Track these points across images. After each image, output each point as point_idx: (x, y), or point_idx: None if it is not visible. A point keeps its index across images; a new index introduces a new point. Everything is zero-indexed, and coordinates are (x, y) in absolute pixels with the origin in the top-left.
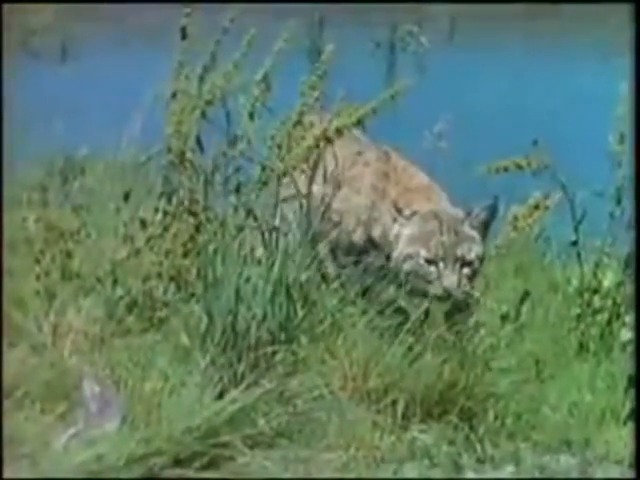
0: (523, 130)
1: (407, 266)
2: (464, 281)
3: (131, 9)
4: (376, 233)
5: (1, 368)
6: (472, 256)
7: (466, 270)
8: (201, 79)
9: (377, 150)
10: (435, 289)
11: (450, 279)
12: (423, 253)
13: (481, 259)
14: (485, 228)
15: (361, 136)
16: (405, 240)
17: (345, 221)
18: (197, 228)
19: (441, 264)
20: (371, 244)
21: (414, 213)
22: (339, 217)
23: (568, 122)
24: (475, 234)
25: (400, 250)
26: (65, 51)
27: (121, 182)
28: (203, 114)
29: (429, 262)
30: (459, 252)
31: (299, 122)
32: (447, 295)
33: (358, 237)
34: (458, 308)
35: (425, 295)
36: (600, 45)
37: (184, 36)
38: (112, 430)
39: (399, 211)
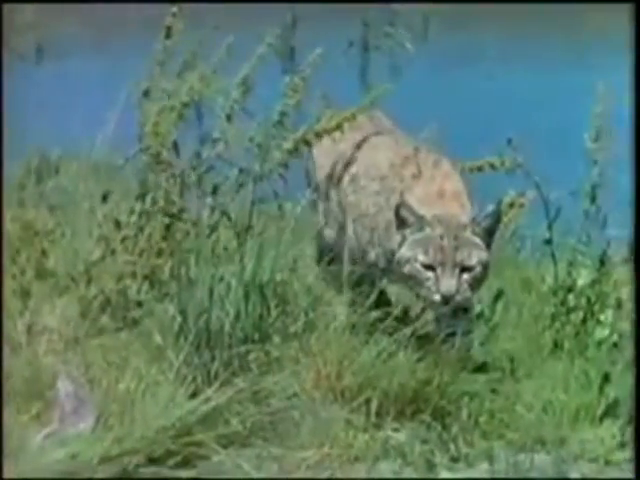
0: (497, 129)
1: (406, 269)
2: (464, 287)
3: (112, 8)
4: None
5: (1, 368)
6: (473, 262)
7: (466, 276)
8: (179, 76)
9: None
10: (433, 294)
11: (448, 285)
12: (421, 258)
13: (484, 265)
14: (489, 234)
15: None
16: (408, 243)
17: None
18: (171, 228)
19: (439, 269)
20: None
21: (420, 218)
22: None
23: (544, 120)
24: (477, 240)
25: (402, 253)
26: (41, 50)
27: (95, 182)
28: (180, 116)
29: (427, 267)
30: (458, 257)
31: (280, 123)
32: (445, 301)
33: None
34: (454, 312)
35: (425, 300)
36: (577, 44)
37: (168, 35)
38: (86, 429)
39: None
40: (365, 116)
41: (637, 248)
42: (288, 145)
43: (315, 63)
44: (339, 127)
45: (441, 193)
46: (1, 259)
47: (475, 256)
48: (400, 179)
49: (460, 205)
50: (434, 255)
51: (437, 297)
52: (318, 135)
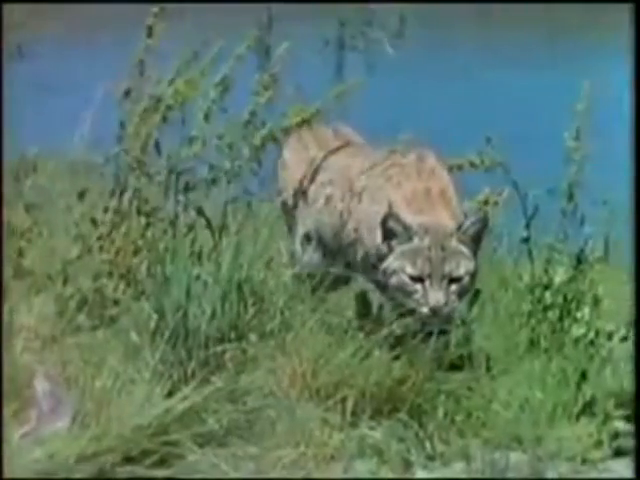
0: (475, 128)
1: (393, 281)
2: (452, 298)
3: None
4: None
5: (1, 367)
6: (461, 272)
7: (454, 287)
8: (170, 82)
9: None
10: (421, 307)
11: (436, 297)
12: (409, 270)
13: (472, 274)
14: (476, 242)
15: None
16: (395, 254)
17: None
18: (147, 226)
19: (427, 281)
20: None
21: (408, 228)
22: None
23: (521, 119)
24: (464, 249)
25: (389, 264)
26: (21, 49)
27: (72, 181)
28: (164, 119)
29: (414, 279)
30: (447, 269)
31: (250, 121)
32: (434, 313)
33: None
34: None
35: (412, 313)
36: (555, 43)
37: (149, 35)
38: (63, 428)
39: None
40: (331, 132)
41: (637, 248)
42: (256, 142)
43: (283, 58)
44: (306, 122)
45: (427, 191)
46: (1, 259)
47: (463, 266)
48: (386, 177)
49: (446, 204)
50: (422, 267)
51: (425, 310)
52: (286, 131)
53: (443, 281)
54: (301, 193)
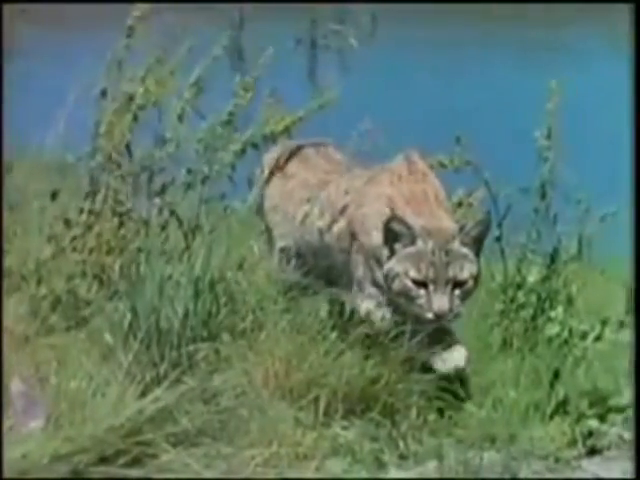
0: (447, 127)
1: (396, 285)
2: (456, 302)
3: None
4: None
5: (1, 368)
6: (465, 275)
7: (458, 291)
8: (142, 80)
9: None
10: (425, 312)
11: (441, 302)
12: (412, 274)
13: (475, 277)
14: (478, 244)
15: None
16: (398, 257)
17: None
18: (120, 227)
19: (431, 286)
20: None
21: (411, 230)
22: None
23: (493, 118)
24: (467, 251)
25: (391, 267)
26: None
27: (46, 181)
28: (135, 118)
29: (418, 283)
30: (451, 273)
31: (228, 123)
32: (438, 320)
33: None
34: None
35: (416, 318)
36: (525, 42)
37: (129, 35)
38: (37, 429)
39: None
40: (314, 151)
41: (637, 248)
42: (236, 147)
43: (266, 63)
44: (287, 130)
45: (424, 193)
46: (1, 259)
47: (467, 270)
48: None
49: (442, 206)
50: (426, 271)
51: (430, 315)
52: (266, 138)
53: (447, 286)
54: (280, 209)
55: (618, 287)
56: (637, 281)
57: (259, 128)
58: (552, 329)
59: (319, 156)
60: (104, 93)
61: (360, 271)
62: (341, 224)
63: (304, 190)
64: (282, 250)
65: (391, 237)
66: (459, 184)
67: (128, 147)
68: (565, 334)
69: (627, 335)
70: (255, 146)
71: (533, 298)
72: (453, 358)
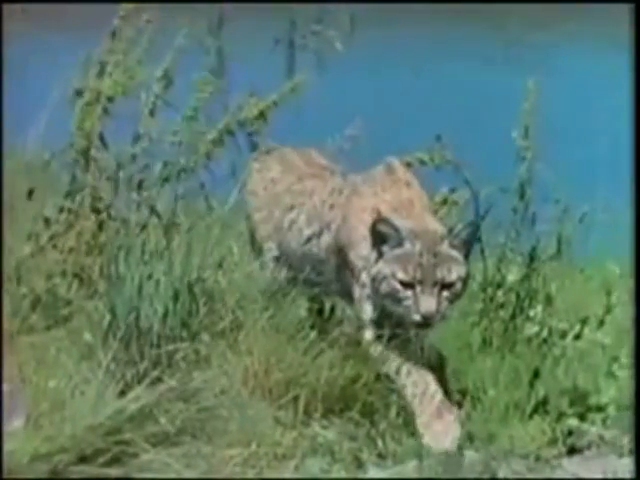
0: (427, 127)
1: (383, 287)
2: (444, 304)
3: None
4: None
5: (1, 367)
6: (453, 277)
7: (446, 293)
8: (110, 75)
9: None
10: (412, 314)
11: (428, 304)
12: (399, 275)
13: (463, 279)
14: (467, 246)
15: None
16: (385, 259)
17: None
18: (100, 226)
19: (418, 288)
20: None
21: (399, 232)
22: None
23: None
24: (456, 253)
25: (379, 269)
26: None
27: (27, 180)
28: (105, 110)
29: (405, 285)
30: (439, 274)
31: (193, 118)
32: (425, 320)
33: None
34: None
35: (402, 320)
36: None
37: (114, 35)
38: (18, 428)
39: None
40: (297, 155)
41: (637, 248)
42: (212, 135)
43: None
44: (262, 116)
45: (410, 201)
46: (1, 259)
47: (455, 272)
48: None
49: (429, 211)
50: (413, 272)
51: (417, 317)
52: (241, 124)
53: (435, 287)
54: (266, 214)
55: (597, 286)
56: (637, 280)
57: (234, 115)
58: (531, 328)
59: (302, 161)
60: (79, 93)
61: (357, 293)
62: (327, 238)
63: (288, 196)
64: (274, 259)
65: (378, 239)
66: (439, 183)
67: (102, 140)
68: (544, 333)
69: (606, 334)
70: (231, 133)
71: (512, 297)
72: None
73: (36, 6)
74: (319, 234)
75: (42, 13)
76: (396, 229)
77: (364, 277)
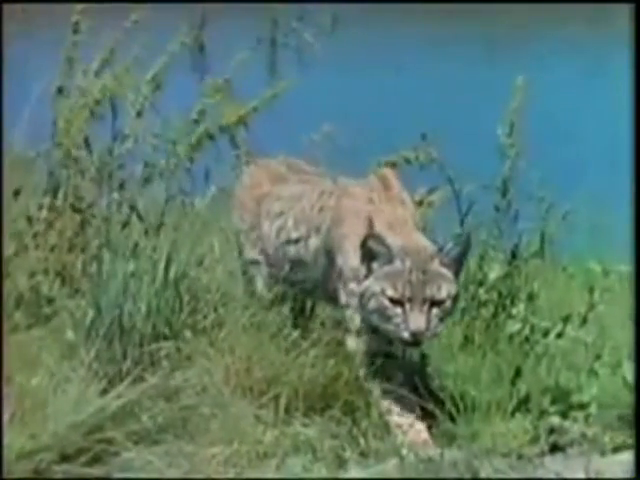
0: (410, 125)
1: (372, 304)
2: (434, 322)
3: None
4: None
5: (1, 366)
6: (442, 295)
7: (436, 311)
8: (97, 74)
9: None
10: (401, 332)
11: (417, 322)
12: (389, 292)
13: (454, 297)
14: (458, 264)
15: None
16: (375, 276)
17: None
18: (82, 224)
19: (408, 305)
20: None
21: (389, 249)
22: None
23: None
24: (446, 271)
25: (368, 286)
26: None
27: (9, 178)
28: (92, 113)
29: (394, 302)
30: (428, 292)
31: (197, 121)
32: (414, 338)
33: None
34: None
35: (391, 338)
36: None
37: (76, 31)
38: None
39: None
40: (284, 166)
41: (637, 247)
42: (192, 140)
43: (238, 65)
44: (242, 121)
45: (404, 218)
46: (1, 259)
47: (445, 289)
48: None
49: (418, 228)
50: (402, 290)
51: (406, 335)
52: (222, 129)
53: (424, 305)
54: (256, 228)
55: (579, 284)
56: (637, 279)
57: (215, 120)
58: (513, 326)
59: (289, 170)
60: (60, 90)
61: (343, 299)
62: (315, 241)
63: (277, 204)
64: (252, 263)
65: (368, 256)
66: (422, 180)
67: (87, 142)
68: (527, 331)
69: (588, 332)
70: (211, 137)
71: (494, 295)
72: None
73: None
74: (307, 237)
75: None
76: (387, 246)
77: (353, 286)
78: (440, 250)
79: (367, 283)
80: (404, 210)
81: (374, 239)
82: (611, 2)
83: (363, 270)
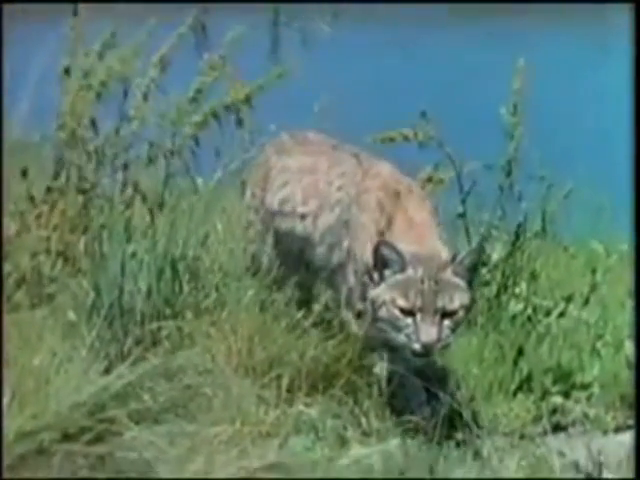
0: (413, 105)
1: (382, 313)
2: (445, 332)
3: None
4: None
5: (1, 365)
6: (455, 306)
7: (447, 321)
8: (99, 56)
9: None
10: (412, 343)
11: (428, 333)
12: (400, 302)
13: (467, 307)
14: (472, 272)
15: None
16: (386, 284)
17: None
18: (85, 204)
19: (419, 315)
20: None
21: (402, 257)
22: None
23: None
24: (459, 281)
25: (378, 293)
26: None
27: (11, 158)
28: (98, 95)
29: (405, 312)
30: (440, 302)
31: (195, 99)
32: (425, 350)
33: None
34: None
35: (402, 349)
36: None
37: (75, 12)
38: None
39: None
40: (291, 139)
41: (637, 246)
42: (198, 118)
43: (233, 42)
44: (248, 100)
45: (422, 220)
46: (1, 258)
47: (457, 300)
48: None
49: (436, 233)
50: (414, 300)
51: (417, 346)
52: (227, 108)
53: (436, 315)
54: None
55: (581, 264)
56: (637, 259)
57: (220, 98)
58: (516, 306)
59: (296, 142)
60: (67, 71)
61: (351, 282)
62: (329, 218)
63: (281, 175)
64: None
65: (380, 262)
66: (423, 160)
67: (94, 124)
68: (529, 311)
69: (591, 312)
70: (216, 116)
71: (497, 275)
72: None
73: None
74: (318, 213)
75: None
76: (399, 254)
77: (364, 278)
78: (454, 258)
79: (378, 291)
80: (425, 212)
81: (386, 246)
82: (611, 2)
83: (375, 277)
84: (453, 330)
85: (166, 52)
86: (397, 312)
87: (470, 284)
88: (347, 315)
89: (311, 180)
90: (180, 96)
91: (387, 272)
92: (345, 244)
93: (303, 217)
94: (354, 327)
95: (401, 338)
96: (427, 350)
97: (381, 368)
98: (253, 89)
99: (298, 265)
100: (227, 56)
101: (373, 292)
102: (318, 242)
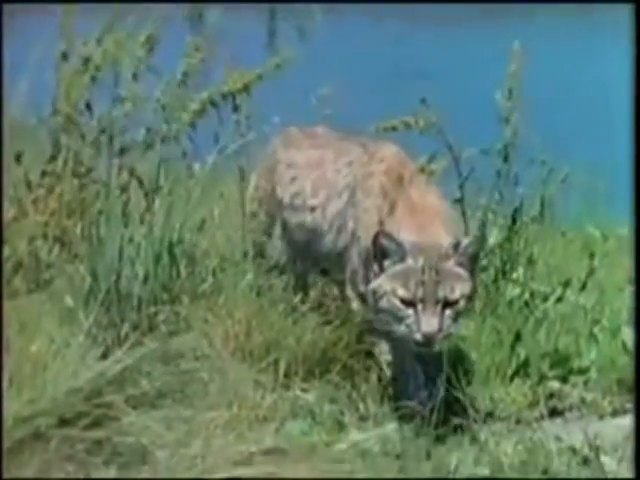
0: (413, 93)
1: (383, 303)
2: (447, 323)
3: None
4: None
5: (1, 365)
6: (456, 295)
7: (449, 311)
8: (98, 42)
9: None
10: (413, 334)
11: (430, 323)
12: (401, 292)
13: (469, 297)
14: (473, 262)
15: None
16: (386, 274)
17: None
18: (81, 189)
19: (420, 306)
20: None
21: (401, 247)
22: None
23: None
24: (461, 271)
25: (378, 284)
26: None
27: (9, 143)
28: (93, 79)
29: (406, 303)
30: (441, 293)
31: (183, 82)
32: (427, 340)
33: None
34: None
35: (403, 340)
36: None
37: None
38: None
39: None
40: (299, 132)
41: (637, 244)
42: (195, 106)
43: (214, 22)
44: (246, 89)
45: (425, 207)
46: (1, 258)
47: (458, 290)
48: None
49: (442, 221)
50: (415, 290)
51: (418, 336)
52: (224, 96)
53: (437, 306)
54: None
55: (579, 249)
56: (636, 244)
57: (218, 87)
58: (513, 291)
59: (304, 135)
60: (65, 56)
61: (355, 263)
62: (338, 204)
63: (290, 170)
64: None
65: (380, 253)
66: (421, 145)
67: (89, 107)
68: (526, 296)
69: (588, 297)
70: (214, 104)
71: (494, 260)
72: None
73: None
74: (327, 201)
75: None
76: (399, 244)
77: (366, 262)
78: (455, 247)
79: (379, 281)
80: (431, 198)
81: (385, 236)
82: (611, 2)
83: (375, 267)
84: (455, 320)
85: (153, 31)
86: (398, 303)
87: (471, 273)
88: (350, 293)
89: (319, 172)
90: (171, 80)
91: (387, 262)
92: (350, 226)
93: (313, 209)
94: (355, 304)
95: (402, 329)
96: (428, 340)
97: (380, 352)
98: (252, 78)
99: (305, 254)
100: (210, 37)
101: (374, 283)
102: (327, 230)
